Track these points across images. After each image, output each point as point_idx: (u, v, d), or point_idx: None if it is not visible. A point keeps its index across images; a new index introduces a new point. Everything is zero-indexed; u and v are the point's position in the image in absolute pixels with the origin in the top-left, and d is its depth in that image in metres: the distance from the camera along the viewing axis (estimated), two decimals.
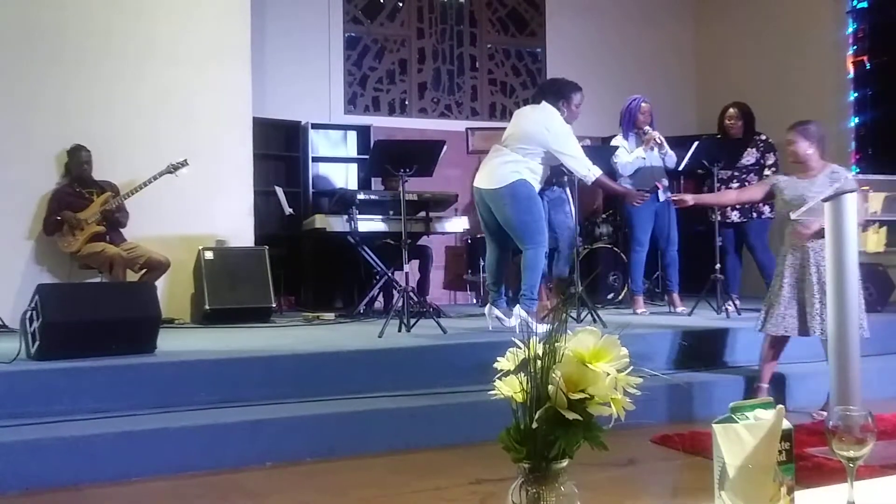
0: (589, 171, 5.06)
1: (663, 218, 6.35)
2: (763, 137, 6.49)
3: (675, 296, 6.41)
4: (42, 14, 6.24)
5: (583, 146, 5.80)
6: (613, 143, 6.42)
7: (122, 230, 6.16)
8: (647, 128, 6.29)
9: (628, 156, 6.26)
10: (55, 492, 3.20)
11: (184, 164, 6.14)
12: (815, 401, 4.38)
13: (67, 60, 6.28)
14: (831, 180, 4.31)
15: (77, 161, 6.13)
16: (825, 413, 4.23)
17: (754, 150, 6.45)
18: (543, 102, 5.15)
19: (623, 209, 6.52)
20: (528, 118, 5.14)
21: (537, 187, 5.10)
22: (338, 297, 7.42)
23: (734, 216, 6.40)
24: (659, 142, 6.23)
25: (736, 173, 6.43)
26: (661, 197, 6.31)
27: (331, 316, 6.53)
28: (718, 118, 6.63)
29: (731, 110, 6.51)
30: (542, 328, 1.34)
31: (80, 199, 6.07)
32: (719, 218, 6.27)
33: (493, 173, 5.02)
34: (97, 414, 3.63)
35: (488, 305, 5.30)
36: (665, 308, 6.75)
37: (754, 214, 6.32)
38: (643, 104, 6.38)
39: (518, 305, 5.11)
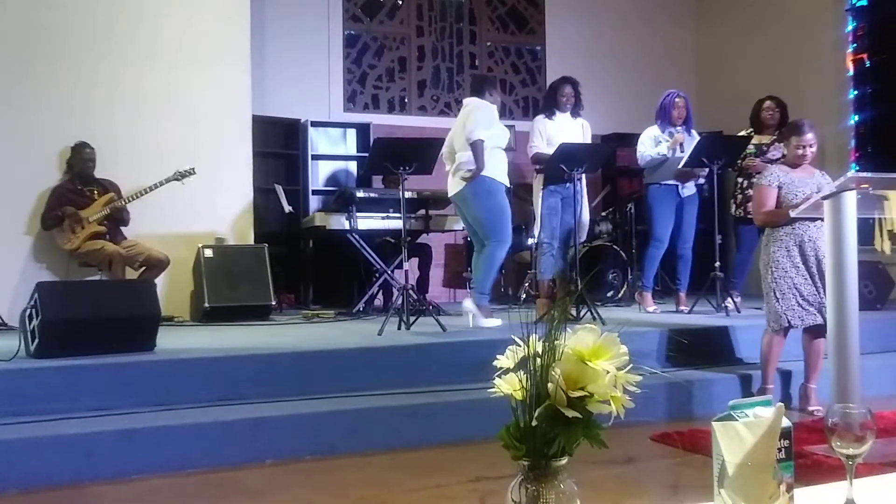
0: (472, 133, 5.23)
1: (679, 215, 6.34)
2: None
3: (682, 295, 6.39)
4: (43, 14, 6.24)
5: (589, 144, 5.90)
6: (646, 132, 6.40)
7: (122, 228, 6.17)
8: (677, 132, 6.32)
9: (651, 149, 6.27)
10: (55, 490, 3.20)
11: (191, 172, 6.16)
12: (819, 398, 4.36)
13: (68, 60, 6.28)
14: (826, 182, 4.33)
15: (80, 158, 6.13)
16: (820, 408, 4.23)
17: (782, 144, 6.39)
18: (463, 101, 5.66)
19: (645, 205, 6.50)
20: (457, 123, 5.53)
21: (502, 176, 5.36)
22: (337, 295, 7.42)
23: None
24: (682, 142, 6.25)
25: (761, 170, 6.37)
26: (686, 193, 6.33)
27: (330, 314, 6.53)
28: (753, 112, 6.51)
29: (769, 102, 6.45)
30: (493, 322, 1.35)
31: (81, 197, 6.07)
32: (742, 213, 6.27)
33: (453, 179, 5.44)
34: (97, 412, 3.63)
35: (467, 300, 5.37)
36: (664, 306, 6.74)
37: None
38: (676, 99, 6.38)
39: (468, 299, 5.40)
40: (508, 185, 5.52)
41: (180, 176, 6.15)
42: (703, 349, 4.92)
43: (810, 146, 4.40)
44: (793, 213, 4.18)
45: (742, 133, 6.53)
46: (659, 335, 4.88)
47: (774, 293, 4.32)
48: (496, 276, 5.46)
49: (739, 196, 6.43)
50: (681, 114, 6.37)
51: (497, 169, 5.36)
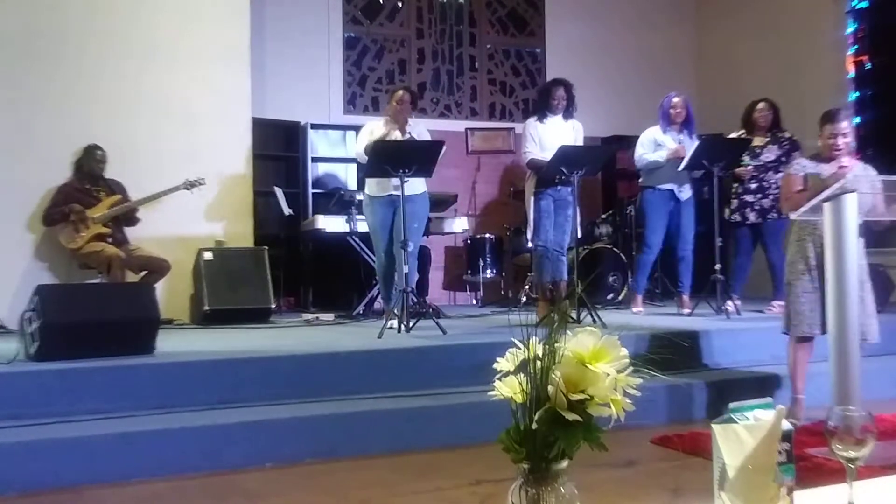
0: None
1: (677, 218, 6.34)
2: (787, 135, 6.41)
3: (685, 297, 6.40)
4: (44, 16, 6.25)
5: (589, 146, 5.93)
6: (646, 133, 6.41)
7: (126, 230, 6.17)
8: (679, 139, 6.32)
9: (649, 154, 6.27)
10: (54, 493, 3.20)
11: (201, 182, 6.17)
12: (819, 401, 4.33)
13: (69, 62, 6.29)
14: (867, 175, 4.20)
15: (92, 158, 6.13)
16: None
17: (776, 146, 6.35)
18: None
19: (639, 209, 6.51)
20: None
21: (376, 190, 5.67)
22: (337, 298, 7.42)
23: (752, 217, 6.37)
24: (682, 156, 6.20)
25: (755, 173, 6.35)
26: (684, 196, 6.35)
27: (330, 316, 6.53)
28: (745, 114, 6.51)
29: (762, 104, 6.44)
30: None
31: (87, 196, 6.07)
32: (738, 218, 6.28)
33: None
34: (96, 415, 3.62)
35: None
36: (664, 308, 6.74)
37: (773, 215, 6.26)
38: (674, 99, 6.38)
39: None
40: (391, 194, 5.64)
41: (189, 185, 6.17)
42: (706, 352, 4.92)
43: (843, 135, 4.16)
44: (793, 216, 4.13)
45: (733, 135, 6.53)
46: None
47: (800, 297, 4.07)
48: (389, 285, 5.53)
49: (735, 201, 6.43)
50: (678, 114, 6.35)
51: (372, 182, 5.61)
